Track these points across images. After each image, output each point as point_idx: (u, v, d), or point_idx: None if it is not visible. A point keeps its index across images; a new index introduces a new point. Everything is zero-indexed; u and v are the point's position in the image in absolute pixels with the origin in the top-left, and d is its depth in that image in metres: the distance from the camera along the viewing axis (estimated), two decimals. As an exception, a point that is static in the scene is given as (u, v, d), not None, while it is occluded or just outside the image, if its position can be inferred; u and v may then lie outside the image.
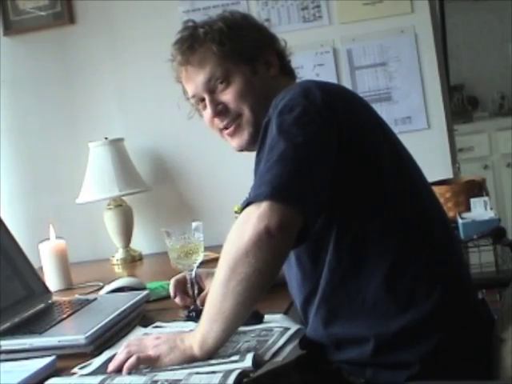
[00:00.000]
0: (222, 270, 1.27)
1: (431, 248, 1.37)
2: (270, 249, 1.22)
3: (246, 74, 1.57)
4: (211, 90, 1.58)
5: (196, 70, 1.59)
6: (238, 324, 1.31)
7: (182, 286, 1.74)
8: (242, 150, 1.64)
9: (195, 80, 1.59)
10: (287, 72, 1.65)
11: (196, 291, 1.70)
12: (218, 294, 1.27)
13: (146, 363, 1.31)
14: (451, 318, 1.33)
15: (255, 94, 1.57)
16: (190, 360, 1.29)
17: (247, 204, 1.25)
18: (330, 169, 1.31)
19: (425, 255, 1.35)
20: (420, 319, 1.30)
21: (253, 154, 2.86)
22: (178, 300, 1.75)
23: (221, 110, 1.58)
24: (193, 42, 1.58)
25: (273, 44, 1.64)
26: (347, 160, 1.33)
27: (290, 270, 1.47)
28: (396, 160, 1.41)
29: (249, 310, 1.30)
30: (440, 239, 1.40)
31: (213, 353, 1.29)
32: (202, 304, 1.65)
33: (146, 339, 1.36)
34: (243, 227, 1.23)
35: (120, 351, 1.35)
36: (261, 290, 1.26)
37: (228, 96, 1.57)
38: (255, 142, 1.55)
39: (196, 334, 1.30)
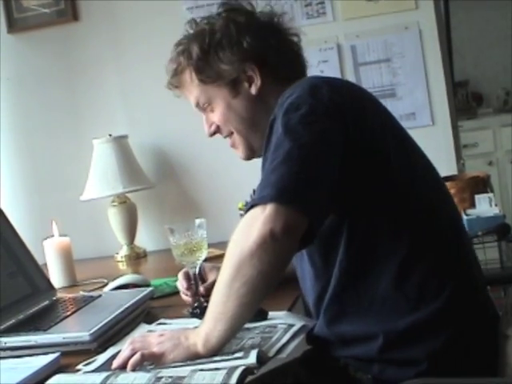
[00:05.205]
0: (226, 271, 1.26)
1: (441, 246, 1.36)
2: (274, 252, 1.21)
3: (226, 98, 1.58)
4: (203, 110, 1.64)
5: (186, 91, 1.65)
6: (241, 324, 1.31)
7: (189, 278, 1.74)
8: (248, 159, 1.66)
9: (189, 99, 1.66)
10: (287, 80, 1.52)
11: (200, 288, 1.70)
12: (221, 295, 1.26)
13: (150, 360, 1.31)
14: (459, 316, 1.33)
15: (238, 116, 1.58)
16: (193, 357, 1.28)
17: (252, 205, 1.24)
18: (337, 168, 1.29)
19: (434, 253, 1.35)
20: (429, 317, 1.30)
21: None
22: (184, 294, 1.76)
23: (214, 131, 1.64)
24: (177, 67, 1.63)
25: (257, 56, 1.56)
26: (355, 159, 1.32)
27: (304, 268, 1.47)
28: (405, 157, 1.40)
29: (252, 310, 1.30)
30: (450, 236, 1.40)
31: (216, 351, 1.29)
32: (207, 293, 1.65)
33: (150, 336, 1.36)
34: (248, 229, 1.23)
35: (124, 348, 1.35)
36: (264, 292, 1.27)
37: (215, 119, 1.62)
38: (255, 155, 1.62)
39: (200, 332, 1.29)
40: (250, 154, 1.63)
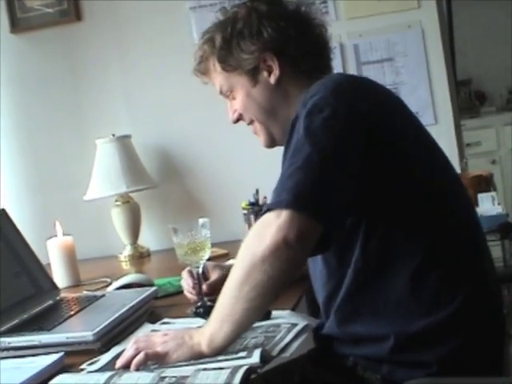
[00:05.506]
0: (236, 274, 1.26)
1: (458, 250, 1.35)
2: (286, 259, 1.21)
3: (245, 87, 1.58)
4: (227, 97, 1.64)
5: (211, 78, 1.65)
6: (247, 326, 1.32)
7: (194, 277, 1.74)
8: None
9: (214, 85, 1.66)
10: (309, 71, 1.55)
11: (203, 286, 1.71)
12: (230, 297, 1.27)
13: (154, 359, 1.31)
14: (472, 321, 1.31)
15: (257, 105, 1.58)
16: (197, 356, 1.29)
17: (267, 209, 1.24)
18: (356, 173, 1.28)
19: (451, 257, 1.34)
20: (442, 322, 1.29)
21: (259, 152, 2.86)
22: (189, 292, 1.76)
23: (237, 118, 1.64)
24: (202, 55, 1.63)
25: (277, 47, 1.55)
26: (375, 161, 1.31)
27: (316, 266, 1.46)
28: (426, 158, 1.39)
29: (260, 314, 1.32)
30: (467, 240, 1.38)
31: (220, 351, 1.29)
32: (209, 291, 1.66)
33: (154, 336, 1.36)
34: (261, 234, 1.22)
35: (128, 348, 1.35)
36: (273, 297, 1.27)
37: (237, 107, 1.62)
38: (275, 144, 1.61)
39: (204, 332, 1.30)
40: (271, 143, 1.63)
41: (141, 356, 1.30)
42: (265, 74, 1.56)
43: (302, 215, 1.20)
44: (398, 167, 1.33)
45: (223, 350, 1.29)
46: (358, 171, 1.28)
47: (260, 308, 1.28)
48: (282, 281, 1.25)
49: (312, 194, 1.22)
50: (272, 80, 1.56)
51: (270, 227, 1.21)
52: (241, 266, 1.25)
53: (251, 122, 1.62)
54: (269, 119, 1.58)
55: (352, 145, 1.29)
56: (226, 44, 1.57)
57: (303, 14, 1.60)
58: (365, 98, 1.36)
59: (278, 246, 1.20)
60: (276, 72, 1.55)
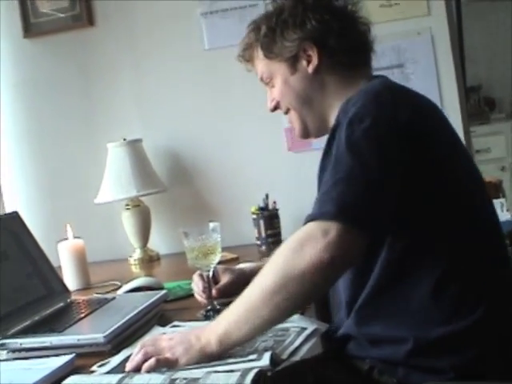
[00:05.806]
0: (269, 280, 1.26)
1: (482, 261, 1.35)
2: (328, 277, 1.23)
3: (284, 74, 1.60)
4: (266, 84, 1.67)
5: (254, 66, 1.68)
6: (265, 331, 1.34)
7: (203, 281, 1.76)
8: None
9: (256, 73, 1.69)
10: (347, 65, 1.58)
11: (213, 291, 1.72)
12: (257, 300, 1.26)
13: (165, 365, 1.31)
14: (492, 332, 1.31)
15: (293, 92, 1.60)
16: (206, 359, 1.29)
17: (311, 219, 1.24)
18: (398, 182, 1.28)
19: (475, 269, 1.34)
20: (461, 331, 1.29)
21: (269, 156, 2.87)
22: (199, 295, 1.77)
23: (274, 106, 1.66)
24: (247, 42, 1.66)
25: (318, 37, 1.56)
26: (413, 171, 1.31)
27: None
28: (458, 168, 1.39)
29: (282, 322, 1.33)
30: (492, 251, 1.39)
31: (230, 349, 1.30)
32: (219, 294, 1.67)
33: (160, 340, 1.36)
34: (305, 247, 1.22)
35: (136, 352, 1.36)
36: (300, 308, 1.31)
37: (275, 95, 1.64)
38: (309, 135, 1.64)
39: (217, 329, 1.30)
40: (305, 133, 1.65)
41: (152, 362, 1.31)
42: (304, 62, 1.58)
43: (351, 232, 1.20)
44: (432, 177, 1.33)
45: (233, 348, 1.30)
46: (399, 181, 1.29)
47: (286, 317, 1.30)
48: (315, 296, 1.27)
49: (358, 207, 1.23)
50: (310, 69, 1.57)
51: (317, 243, 1.21)
52: (275, 273, 1.25)
53: (287, 111, 1.64)
54: (303, 107, 1.60)
55: (393, 154, 1.29)
56: (271, 32, 1.60)
57: (349, 11, 1.62)
58: (405, 106, 1.36)
59: (322, 264, 1.20)
60: (314, 62, 1.57)
